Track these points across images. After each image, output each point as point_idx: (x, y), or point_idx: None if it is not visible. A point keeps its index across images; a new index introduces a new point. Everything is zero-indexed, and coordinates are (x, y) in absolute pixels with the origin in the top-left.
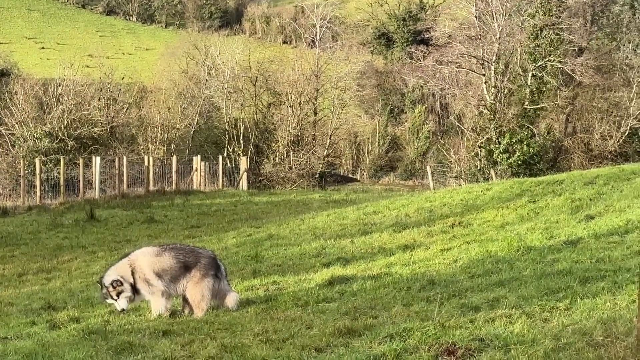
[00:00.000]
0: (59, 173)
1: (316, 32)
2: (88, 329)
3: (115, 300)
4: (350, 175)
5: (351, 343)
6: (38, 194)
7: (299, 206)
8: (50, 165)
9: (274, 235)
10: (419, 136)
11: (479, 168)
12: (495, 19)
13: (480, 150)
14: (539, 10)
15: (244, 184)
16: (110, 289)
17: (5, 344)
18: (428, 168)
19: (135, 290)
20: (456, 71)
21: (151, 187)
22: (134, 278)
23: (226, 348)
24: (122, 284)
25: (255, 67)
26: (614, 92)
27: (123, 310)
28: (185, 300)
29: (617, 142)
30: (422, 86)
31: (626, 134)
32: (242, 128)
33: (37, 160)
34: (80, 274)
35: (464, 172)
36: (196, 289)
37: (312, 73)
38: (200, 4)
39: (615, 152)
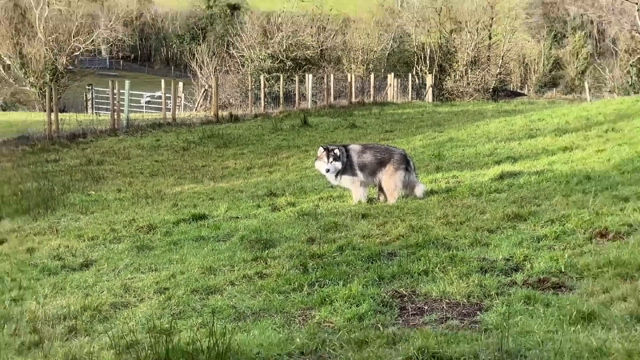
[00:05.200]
0: (279, 87)
1: None
2: (302, 212)
3: (327, 162)
4: (518, 91)
5: (517, 226)
6: (262, 104)
7: (475, 115)
8: (272, 81)
9: (454, 138)
10: (578, 57)
11: (630, 83)
12: None
13: (632, 68)
14: None
15: (429, 97)
16: (332, 154)
17: (237, 222)
18: (586, 84)
19: (342, 170)
20: (612, 0)
21: (353, 99)
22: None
23: (413, 228)
24: (339, 156)
25: (440, 0)
26: None
27: (328, 170)
28: (380, 189)
29: None
30: (582, 14)
31: None
32: (428, 51)
33: (261, 77)
34: (296, 168)
35: (617, 87)
36: (390, 180)
37: (487, 4)
38: None
39: None
